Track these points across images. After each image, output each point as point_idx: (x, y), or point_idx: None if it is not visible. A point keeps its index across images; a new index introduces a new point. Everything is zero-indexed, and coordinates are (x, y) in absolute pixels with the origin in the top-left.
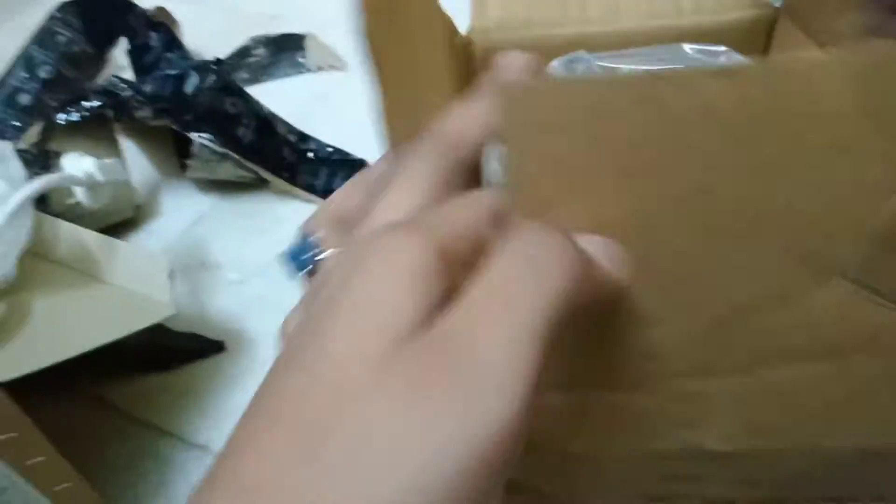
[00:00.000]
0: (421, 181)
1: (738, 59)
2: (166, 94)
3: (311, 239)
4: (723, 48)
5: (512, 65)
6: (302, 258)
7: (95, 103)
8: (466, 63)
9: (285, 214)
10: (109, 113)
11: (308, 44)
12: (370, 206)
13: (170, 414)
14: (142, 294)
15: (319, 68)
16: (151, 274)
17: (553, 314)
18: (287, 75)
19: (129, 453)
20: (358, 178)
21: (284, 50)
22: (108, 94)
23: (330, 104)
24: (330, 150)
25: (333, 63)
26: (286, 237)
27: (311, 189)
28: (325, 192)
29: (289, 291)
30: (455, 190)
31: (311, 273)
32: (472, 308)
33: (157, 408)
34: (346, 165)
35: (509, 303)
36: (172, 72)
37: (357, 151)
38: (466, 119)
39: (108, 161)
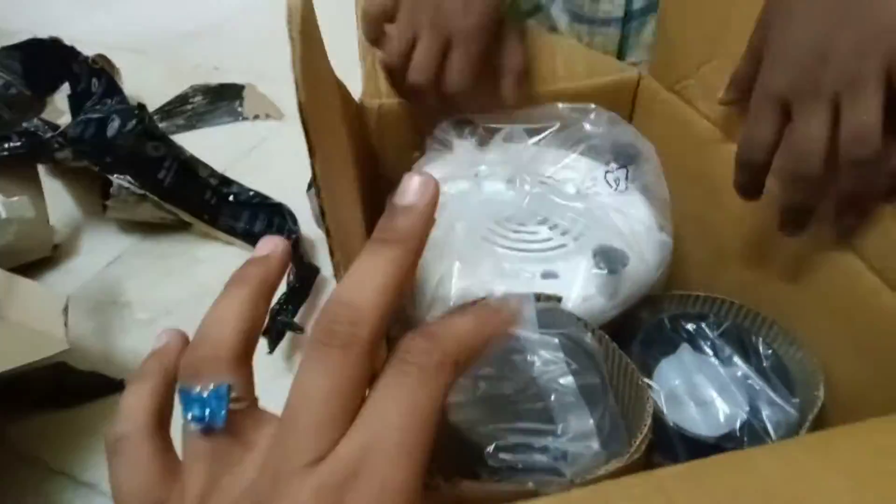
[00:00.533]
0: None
1: (605, 114)
2: (87, 136)
3: (220, 389)
4: (592, 105)
5: (409, 189)
6: (212, 409)
7: (15, 143)
8: (361, 125)
9: (204, 255)
10: (27, 153)
11: (247, 93)
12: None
13: (62, 451)
14: (37, 329)
15: (256, 117)
16: (47, 311)
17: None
18: (223, 123)
19: (14, 491)
20: (237, 296)
21: (223, 98)
22: (28, 135)
23: (262, 151)
24: (251, 193)
25: (270, 112)
26: (202, 278)
27: (231, 231)
28: (245, 235)
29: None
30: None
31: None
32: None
33: (50, 445)
34: (267, 209)
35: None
36: (95, 116)
37: (284, 196)
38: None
39: (14, 199)
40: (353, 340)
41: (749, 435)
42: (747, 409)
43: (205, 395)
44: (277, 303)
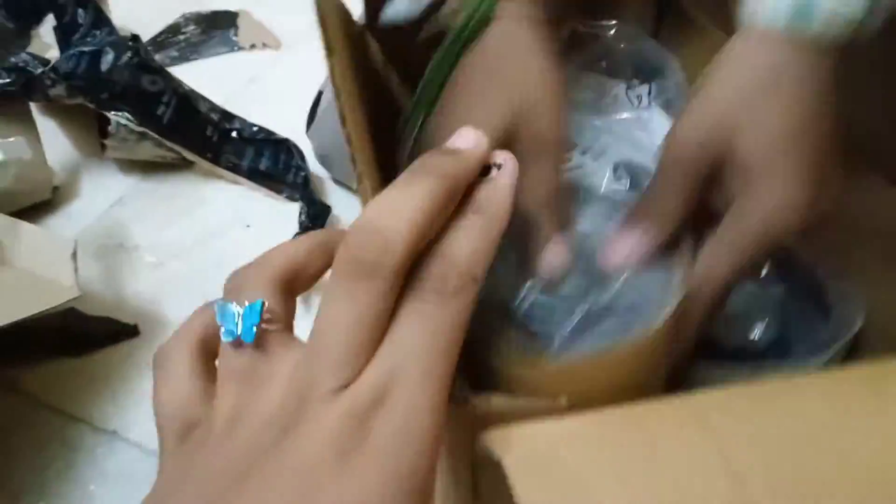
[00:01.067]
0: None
1: (627, 30)
2: (81, 71)
3: (254, 305)
4: (613, 21)
5: (459, 135)
6: (245, 324)
7: (5, 80)
8: (364, 50)
9: (209, 196)
10: (19, 91)
11: (241, 21)
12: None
13: (80, 399)
14: (46, 277)
15: (252, 46)
16: (56, 257)
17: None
18: (219, 53)
19: (36, 439)
20: (305, 238)
21: (216, 27)
22: (18, 70)
23: (261, 83)
24: (255, 128)
25: (267, 41)
26: (208, 219)
27: (235, 169)
28: (250, 173)
29: (207, 274)
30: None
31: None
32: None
33: (67, 393)
34: (272, 145)
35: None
36: (87, 49)
37: (286, 131)
38: (395, 214)
39: (10, 139)
40: (379, 270)
41: (772, 347)
42: (777, 321)
43: (240, 310)
44: None
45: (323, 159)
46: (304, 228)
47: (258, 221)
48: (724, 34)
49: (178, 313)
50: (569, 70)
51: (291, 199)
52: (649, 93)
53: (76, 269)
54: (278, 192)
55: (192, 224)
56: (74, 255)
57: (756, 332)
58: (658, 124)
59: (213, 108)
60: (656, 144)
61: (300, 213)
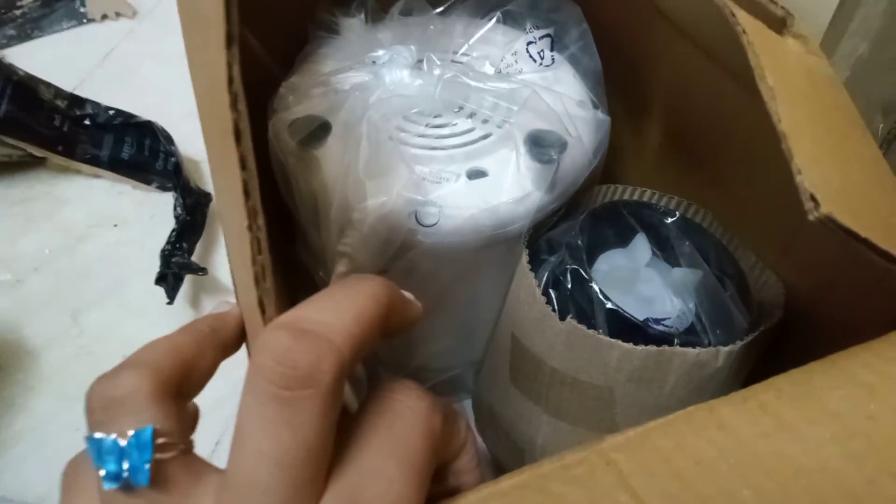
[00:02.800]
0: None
1: None
2: None
3: (142, 433)
4: None
5: None
6: (133, 461)
7: None
8: None
9: (67, 195)
10: None
11: None
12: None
13: None
14: None
15: (104, 17)
16: None
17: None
18: (65, 28)
19: None
20: (188, 327)
21: None
22: None
23: (117, 59)
24: (111, 112)
25: (120, 9)
26: (69, 222)
27: (94, 161)
28: (111, 164)
29: (75, 287)
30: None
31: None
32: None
33: None
34: (133, 129)
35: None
36: None
37: (149, 112)
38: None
39: None
40: (320, 379)
41: (686, 332)
42: (690, 306)
43: (122, 443)
44: (168, 242)
45: None
46: (182, 222)
47: (128, 219)
48: None
49: (44, 337)
50: (465, 23)
51: (163, 188)
52: (552, 48)
53: None
54: (147, 182)
55: (50, 230)
56: None
57: (670, 317)
58: (567, 85)
59: (59, 93)
60: (568, 110)
61: (175, 205)
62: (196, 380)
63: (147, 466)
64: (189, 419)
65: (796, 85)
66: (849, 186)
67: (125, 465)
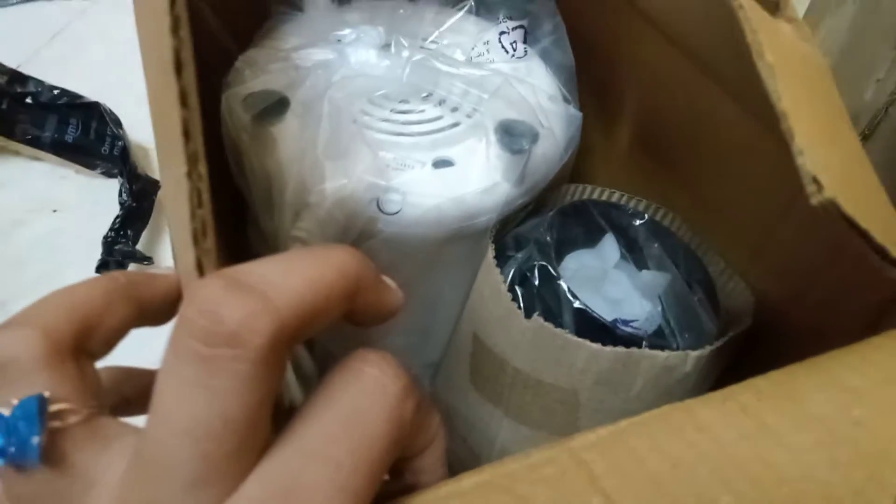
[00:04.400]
0: None
1: None
2: None
3: (28, 402)
4: None
5: None
6: (19, 436)
7: None
8: None
9: (2, 178)
10: None
11: None
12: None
13: None
14: None
15: None
16: None
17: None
18: (12, 3)
19: None
20: (102, 278)
21: None
22: None
23: (67, 38)
24: (56, 92)
25: None
26: (5, 207)
27: (35, 143)
28: (54, 146)
29: (7, 277)
30: None
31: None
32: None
33: None
34: (79, 110)
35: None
36: None
37: (97, 93)
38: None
39: None
40: (251, 342)
41: (654, 335)
42: (659, 309)
43: (6, 413)
44: (111, 229)
45: None
46: (127, 209)
47: (68, 204)
48: None
49: None
50: (436, 10)
51: (109, 174)
52: (524, 40)
53: None
54: (91, 167)
55: None
56: None
57: (639, 319)
58: (539, 78)
59: (0, 69)
60: (541, 103)
61: (120, 192)
62: (102, 337)
63: (35, 441)
64: (92, 378)
65: (793, 66)
66: (846, 176)
67: (12, 440)
